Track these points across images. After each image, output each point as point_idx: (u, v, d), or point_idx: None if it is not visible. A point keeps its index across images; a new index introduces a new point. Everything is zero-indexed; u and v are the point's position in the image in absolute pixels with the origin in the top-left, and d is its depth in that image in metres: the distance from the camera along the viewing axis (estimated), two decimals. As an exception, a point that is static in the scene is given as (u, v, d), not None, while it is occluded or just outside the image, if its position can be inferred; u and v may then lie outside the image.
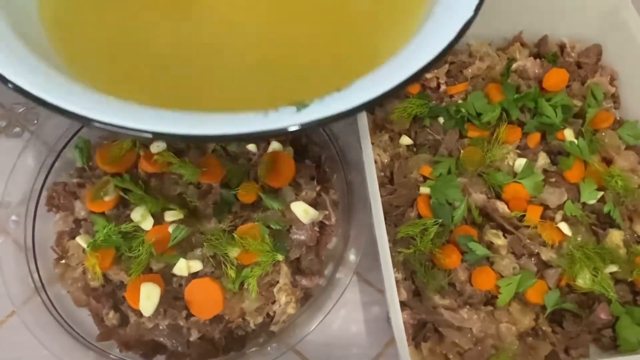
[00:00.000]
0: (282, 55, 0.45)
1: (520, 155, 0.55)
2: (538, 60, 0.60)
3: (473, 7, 0.39)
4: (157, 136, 0.34)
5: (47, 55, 0.41)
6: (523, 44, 0.62)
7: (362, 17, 0.47)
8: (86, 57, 0.43)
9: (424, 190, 0.52)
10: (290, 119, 0.35)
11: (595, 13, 0.61)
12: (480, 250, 0.49)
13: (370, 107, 0.37)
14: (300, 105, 0.36)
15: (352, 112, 0.36)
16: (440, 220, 0.50)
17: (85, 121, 0.35)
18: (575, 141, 0.54)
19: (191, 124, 0.35)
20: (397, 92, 0.37)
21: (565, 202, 0.52)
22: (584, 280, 0.48)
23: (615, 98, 0.60)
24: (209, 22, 0.47)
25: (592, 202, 0.53)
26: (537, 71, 0.60)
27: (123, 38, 0.45)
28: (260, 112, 0.36)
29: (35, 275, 0.51)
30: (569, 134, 0.55)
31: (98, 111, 0.35)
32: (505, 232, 0.51)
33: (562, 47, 0.63)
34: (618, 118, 0.58)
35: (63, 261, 0.51)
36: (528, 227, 0.51)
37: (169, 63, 0.44)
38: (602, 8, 0.60)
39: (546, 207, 0.52)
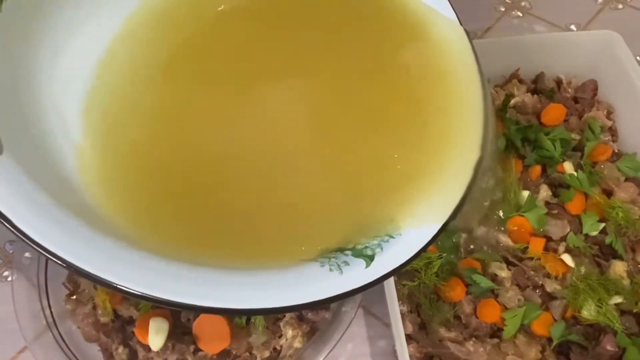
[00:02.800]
0: (339, 193, 0.41)
1: (522, 188, 0.54)
2: (536, 96, 0.61)
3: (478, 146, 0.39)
4: (210, 311, 0.30)
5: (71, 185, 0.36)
6: (520, 81, 0.63)
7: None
8: (125, 190, 0.38)
9: None
10: (364, 275, 0.33)
11: (589, 50, 0.62)
12: (485, 282, 0.49)
13: (426, 249, 0.35)
14: (365, 257, 0.34)
15: (413, 259, 0.34)
16: (445, 255, 0.50)
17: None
18: (575, 173, 0.54)
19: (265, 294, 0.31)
20: (445, 228, 0.36)
21: (567, 234, 0.52)
22: (589, 312, 0.47)
23: (612, 131, 0.60)
24: (252, 144, 0.42)
25: (594, 233, 0.52)
26: (535, 106, 0.60)
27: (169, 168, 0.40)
28: (329, 267, 0.33)
29: (47, 312, 0.50)
30: (568, 167, 0.55)
31: (133, 279, 0.30)
32: (509, 264, 0.51)
33: (558, 83, 0.63)
34: (616, 150, 0.58)
35: (74, 297, 0.51)
36: (532, 258, 0.51)
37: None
38: (596, 45, 0.61)
39: (549, 239, 0.52)
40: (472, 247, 0.52)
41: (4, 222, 0.30)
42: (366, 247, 0.35)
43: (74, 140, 0.39)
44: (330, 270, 0.33)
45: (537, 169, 0.56)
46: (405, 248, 0.35)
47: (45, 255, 0.30)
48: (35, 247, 0.30)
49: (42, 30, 0.39)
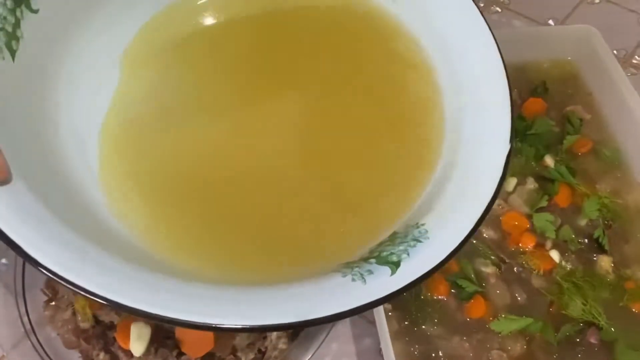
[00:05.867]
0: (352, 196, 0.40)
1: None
2: (515, 90, 0.60)
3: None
4: (251, 330, 0.29)
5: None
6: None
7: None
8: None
9: None
10: (390, 284, 0.30)
11: (568, 44, 0.62)
12: (470, 287, 0.48)
13: (456, 254, 0.31)
14: (391, 264, 0.31)
15: (442, 264, 0.31)
16: None
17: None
18: (553, 167, 0.54)
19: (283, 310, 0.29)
20: (476, 231, 0.33)
21: (558, 227, 0.52)
22: (574, 310, 0.47)
23: (592, 125, 0.59)
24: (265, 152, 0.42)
25: (582, 223, 0.52)
26: (515, 101, 0.61)
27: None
28: (352, 277, 0.31)
29: (25, 319, 0.49)
30: (549, 160, 0.55)
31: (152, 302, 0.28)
32: (496, 258, 0.51)
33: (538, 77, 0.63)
34: (596, 144, 0.58)
35: (53, 303, 0.49)
36: (518, 253, 0.51)
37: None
38: (574, 39, 0.61)
39: (537, 234, 0.52)
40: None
41: (15, 250, 0.29)
42: (392, 254, 0.32)
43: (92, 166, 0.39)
44: (353, 280, 0.31)
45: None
46: (434, 252, 0.32)
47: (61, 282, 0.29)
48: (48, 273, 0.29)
49: (56, 72, 0.40)
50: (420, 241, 0.33)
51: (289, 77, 0.46)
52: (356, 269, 0.32)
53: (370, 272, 0.31)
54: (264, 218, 0.39)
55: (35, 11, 0.38)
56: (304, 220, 0.39)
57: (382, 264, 0.32)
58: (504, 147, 0.36)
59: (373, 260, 0.32)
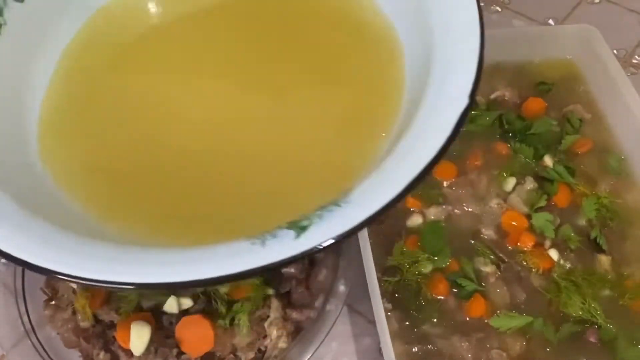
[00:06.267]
0: (271, 166, 0.39)
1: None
2: (515, 89, 0.60)
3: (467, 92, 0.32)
4: (140, 287, 0.29)
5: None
6: (500, 75, 0.62)
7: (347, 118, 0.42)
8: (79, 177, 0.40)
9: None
10: (288, 248, 0.29)
11: (567, 44, 0.62)
12: (470, 285, 0.49)
13: (376, 218, 0.29)
14: (298, 229, 0.30)
15: (356, 230, 0.29)
16: (436, 259, 0.50)
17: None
18: (552, 166, 0.54)
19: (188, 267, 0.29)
20: (405, 196, 0.30)
21: (558, 227, 0.52)
22: (572, 308, 0.47)
23: (591, 124, 0.59)
24: (185, 126, 0.43)
25: (582, 222, 0.52)
26: (514, 101, 0.60)
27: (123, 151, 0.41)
28: (254, 240, 0.30)
29: (25, 318, 0.49)
30: (547, 160, 0.55)
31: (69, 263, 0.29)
32: (497, 257, 0.51)
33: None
34: (595, 144, 0.58)
35: (53, 302, 0.49)
36: (517, 253, 0.51)
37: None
38: (574, 39, 0.61)
39: (536, 233, 0.52)
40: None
41: None
42: (306, 218, 0.31)
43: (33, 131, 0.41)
44: (253, 244, 0.30)
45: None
46: (348, 218, 0.29)
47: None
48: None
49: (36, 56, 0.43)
50: (339, 205, 0.30)
51: (236, 45, 0.47)
52: (265, 234, 0.30)
53: (273, 236, 0.30)
54: (195, 185, 0.40)
55: (21, 0, 0.40)
56: (231, 188, 0.39)
57: (290, 228, 0.30)
58: (462, 103, 0.32)
59: (285, 225, 0.31)
